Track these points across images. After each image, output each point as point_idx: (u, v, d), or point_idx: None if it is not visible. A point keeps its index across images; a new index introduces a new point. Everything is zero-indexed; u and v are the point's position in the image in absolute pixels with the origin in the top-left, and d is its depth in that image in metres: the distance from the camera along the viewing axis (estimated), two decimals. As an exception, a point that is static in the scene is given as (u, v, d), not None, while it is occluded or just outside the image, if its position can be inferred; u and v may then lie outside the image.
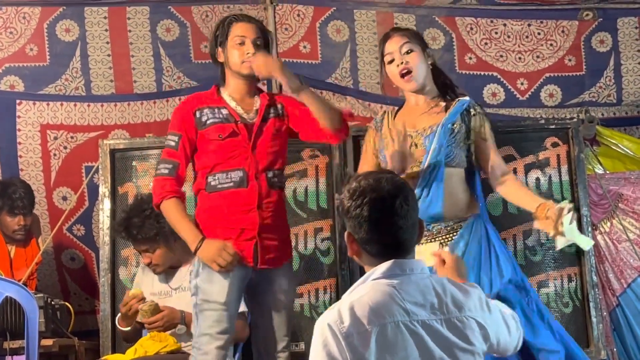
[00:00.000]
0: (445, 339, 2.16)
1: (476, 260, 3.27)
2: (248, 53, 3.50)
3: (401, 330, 2.12)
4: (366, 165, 3.55)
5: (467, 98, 3.50)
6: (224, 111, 3.50)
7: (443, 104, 3.47)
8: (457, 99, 3.47)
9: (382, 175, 2.30)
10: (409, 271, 2.23)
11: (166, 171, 3.47)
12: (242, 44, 3.51)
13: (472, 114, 3.43)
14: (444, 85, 3.53)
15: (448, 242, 3.28)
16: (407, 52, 3.44)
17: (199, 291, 3.40)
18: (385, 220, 2.23)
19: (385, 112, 3.61)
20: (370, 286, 2.21)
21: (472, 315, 2.22)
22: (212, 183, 3.46)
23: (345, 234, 2.31)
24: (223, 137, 3.45)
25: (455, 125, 3.39)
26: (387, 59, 3.49)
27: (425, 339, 2.14)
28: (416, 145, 3.36)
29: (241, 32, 3.53)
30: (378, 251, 2.25)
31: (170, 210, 3.45)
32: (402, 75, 3.44)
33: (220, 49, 3.57)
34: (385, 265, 2.23)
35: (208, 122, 3.48)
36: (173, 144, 3.49)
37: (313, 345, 2.15)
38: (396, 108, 3.60)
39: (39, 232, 5.31)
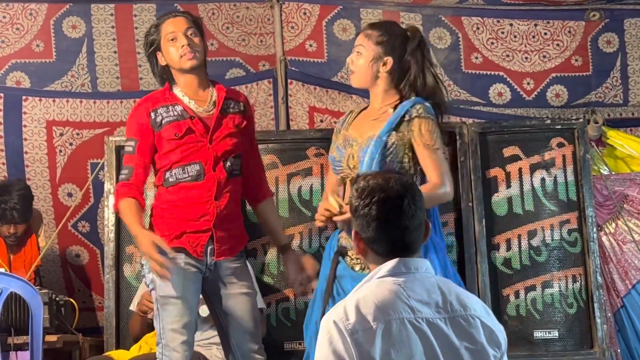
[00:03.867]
0: (448, 338, 2.17)
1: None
2: (183, 45, 3.48)
3: (406, 327, 2.13)
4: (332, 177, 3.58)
5: (411, 99, 3.43)
6: (178, 108, 3.49)
7: (390, 110, 3.46)
8: (400, 104, 3.45)
9: (391, 175, 2.33)
10: (413, 270, 2.25)
11: (123, 176, 3.49)
12: (174, 39, 3.50)
13: (411, 117, 3.39)
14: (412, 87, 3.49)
15: None
16: (358, 53, 3.52)
17: (156, 286, 3.41)
18: (393, 220, 2.25)
19: (352, 111, 3.65)
20: (376, 284, 2.22)
21: (477, 315, 2.23)
22: (170, 179, 3.48)
23: (352, 232, 2.32)
24: (179, 135, 3.45)
25: (389, 138, 3.38)
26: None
27: (429, 336, 2.15)
28: (353, 156, 3.41)
29: (170, 29, 3.52)
30: (385, 250, 2.27)
31: (124, 210, 3.44)
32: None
33: (159, 53, 3.55)
34: (390, 264, 2.25)
35: (163, 121, 3.48)
36: (130, 149, 3.50)
37: (319, 342, 2.16)
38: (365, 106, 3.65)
39: (39, 227, 5.32)
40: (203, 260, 3.44)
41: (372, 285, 2.23)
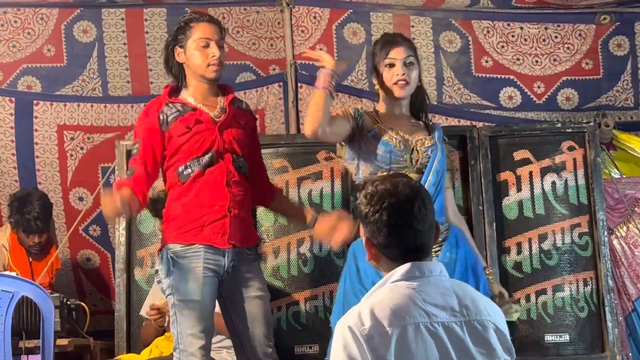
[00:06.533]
0: (463, 342, 2.16)
1: (467, 257, 3.42)
2: (214, 56, 3.50)
3: (421, 332, 2.12)
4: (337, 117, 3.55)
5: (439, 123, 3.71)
6: (178, 104, 3.51)
7: (421, 123, 3.63)
8: (431, 122, 3.66)
9: (399, 179, 2.33)
10: (427, 273, 2.24)
11: (125, 176, 3.55)
12: (206, 46, 3.51)
13: (445, 141, 3.61)
14: (421, 104, 3.65)
15: (439, 250, 3.37)
16: (410, 64, 3.55)
17: (174, 291, 3.39)
18: (405, 225, 2.24)
19: (362, 108, 3.64)
20: (390, 289, 2.22)
21: (492, 320, 2.22)
22: (185, 173, 3.47)
23: (364, 239, 2.31)
24: (191, 126, 3.46)
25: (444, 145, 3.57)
26: (387, 62, 3.55)
27: (445, 341, 2.14)
28: (418, 151, 3.42)
29: (205, 34, 3.52)
30: (397, 255, 2.27)
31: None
32: (397, 82, 3.53)
33: (180, 49, 3.55)
34: (404, 268, 2.24)
35: (169, 119, 3.49)
36: (135, 151, 3.50)
37: (333, 348, 2.15)
38: (373, 108, 3.66)
39: (56, 239, 5.34)
40: (227, 249, 3.43)
41: (386, 290, 2.22)
